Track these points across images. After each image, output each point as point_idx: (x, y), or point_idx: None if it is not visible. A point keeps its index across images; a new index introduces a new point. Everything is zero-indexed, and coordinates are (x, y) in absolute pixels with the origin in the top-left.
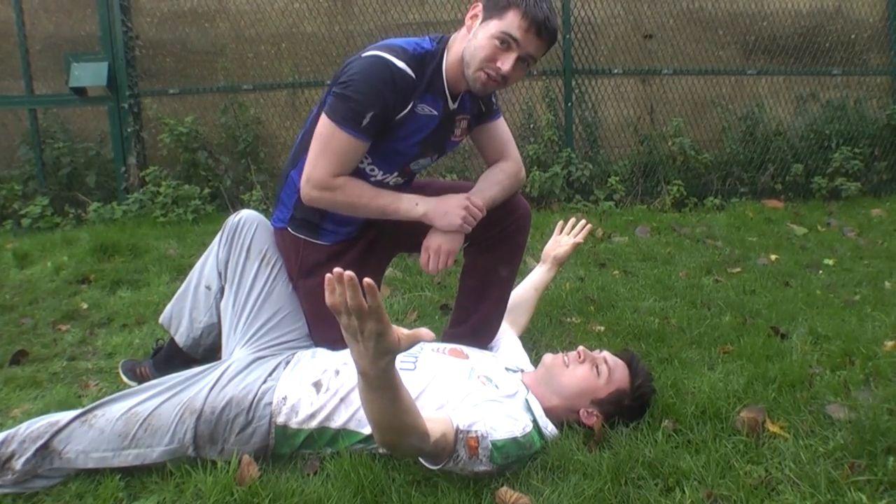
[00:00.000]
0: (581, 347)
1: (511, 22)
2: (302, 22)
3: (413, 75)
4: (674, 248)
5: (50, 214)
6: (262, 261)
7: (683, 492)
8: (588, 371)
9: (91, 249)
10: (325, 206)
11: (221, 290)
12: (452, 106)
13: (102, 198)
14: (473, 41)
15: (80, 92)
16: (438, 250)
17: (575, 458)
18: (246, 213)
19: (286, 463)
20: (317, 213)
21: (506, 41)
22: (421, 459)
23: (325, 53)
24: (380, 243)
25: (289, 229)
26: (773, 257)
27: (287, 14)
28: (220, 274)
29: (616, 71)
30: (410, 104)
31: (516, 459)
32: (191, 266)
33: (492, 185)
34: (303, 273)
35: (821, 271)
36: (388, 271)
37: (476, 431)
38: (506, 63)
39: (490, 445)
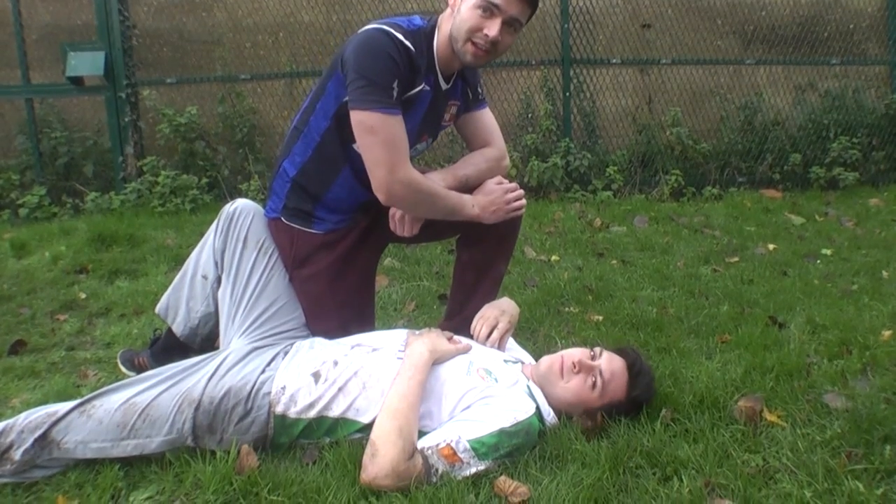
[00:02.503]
0: (578, 357)
1: None
2: (299, 11)
3: (413, 49)
4: (672, 237)
5: (47, 204)
6: (259, 250)
7: (681, 481)
8: (582, 383)
9: (89, 239)
10: (408, 203)
11: (218, 280)
12: (445, 86)
13: (100, 188)
14: (458, 16)
15: (77, 81)
16: (402, 219)
17: (573, 448)
18: (242, 203)
19: (285, 453)
20: (309, 200)
21: (488, 8)
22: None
23: (322, 43)
24: (372, 233)
25: (282, 219)
26: (770, 247)
27: (285, 3)
28: (216, 263)
29: (614, 61)
30: (422, 84)
31: (515, 449)
32: (189, 256)
33: (468, 165)
34: (297, 263)
35: (818, 261)
36: (387, 261)
37: (444, 441)
38: (492, 29)
39: (468, 445)
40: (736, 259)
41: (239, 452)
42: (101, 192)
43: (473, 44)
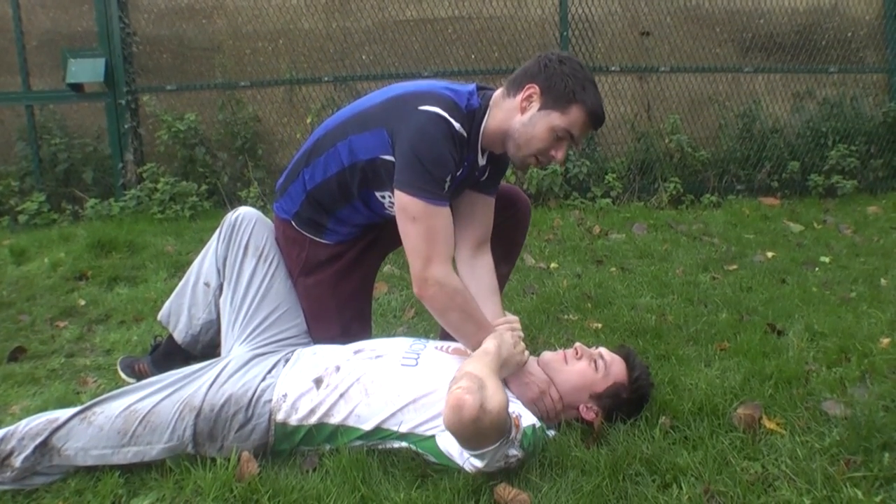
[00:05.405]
0: (578, 344)
1: (574, 119)
2: (299, 18)
3: (466, 135)
4: (671, 245)
5: (47, 211)
6: (259, 258)
7: (681, 488)
8: (586, 366)
9: (88, 246)
10: (438, 305)
11: (220, 287)
12: (482, 162)
13: (100, 194)
14: (530, 128)
15: (77, 88)
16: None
17: (573, 455)
18: (244, 210)
19: (285, 459)
20: (323, 214)
21: (566, 136)
22: (475, 447)
23: (322, 50)
24: (378, 242)
25: (293, 223)
26: (769, 254)
27: (284, 10)
28: (218, 271)
29: (613, 68)
30: (464, 165)
31: (534, 450)
32: (188, 263)
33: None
34: (304, 271)
35: (817, 268)
36: (386, 268)
37: (514, 412)
38: (560, 153)
39: (522, 426)
40: (734, 266)
41: (239, 459)
42: (101, 199)
43: (537, 159)
